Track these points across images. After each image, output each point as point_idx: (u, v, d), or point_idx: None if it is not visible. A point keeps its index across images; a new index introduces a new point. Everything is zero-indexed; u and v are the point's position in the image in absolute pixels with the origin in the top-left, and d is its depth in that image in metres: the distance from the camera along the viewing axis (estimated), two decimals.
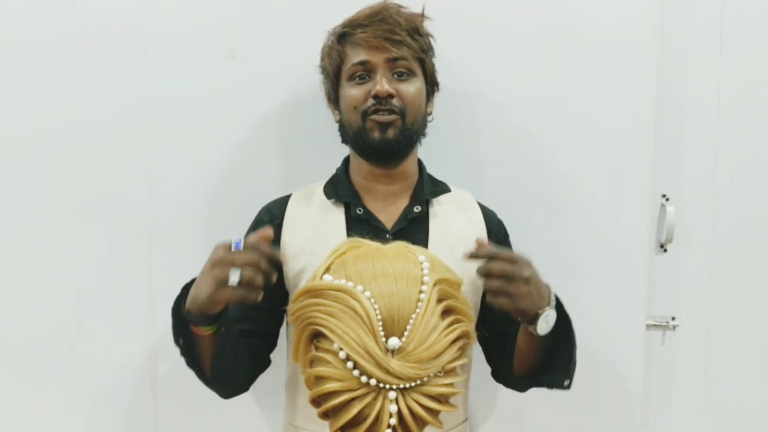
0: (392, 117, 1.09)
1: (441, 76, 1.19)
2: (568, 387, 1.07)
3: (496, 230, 1.19)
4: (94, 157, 1.33)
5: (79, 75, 1.32)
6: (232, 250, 0.89)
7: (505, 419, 1.42)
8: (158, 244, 1.35)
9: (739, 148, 1.43)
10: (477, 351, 1.23)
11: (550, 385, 1.09)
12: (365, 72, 1.10)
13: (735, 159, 1.44)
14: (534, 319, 0.97)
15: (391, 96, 1.09)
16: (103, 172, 1.34)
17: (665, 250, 1.44)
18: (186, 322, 0.97)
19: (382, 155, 1.12)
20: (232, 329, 1.02)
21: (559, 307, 1.01)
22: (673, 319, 1.46)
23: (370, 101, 1.09)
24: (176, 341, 1.01)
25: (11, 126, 1.33)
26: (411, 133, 1.12)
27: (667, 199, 1.43)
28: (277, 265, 1.05)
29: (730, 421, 1.48)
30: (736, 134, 1.43)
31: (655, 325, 1.45)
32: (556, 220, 1.36)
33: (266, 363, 1.16)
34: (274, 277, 0.91)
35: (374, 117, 1.09)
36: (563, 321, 1.02)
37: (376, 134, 1.09)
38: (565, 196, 1.37)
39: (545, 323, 0.97)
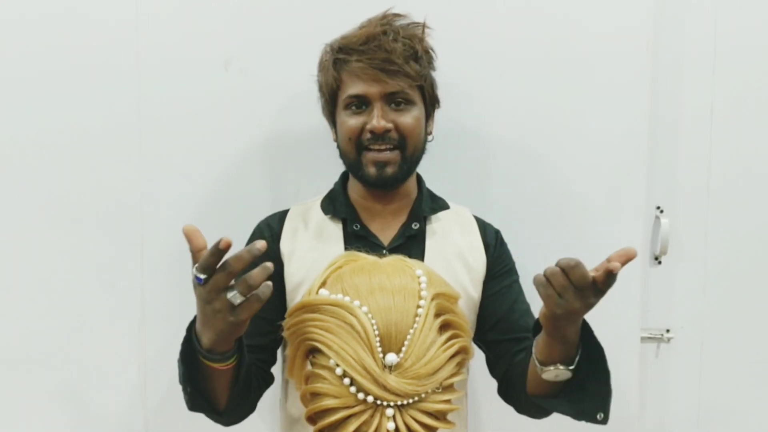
0: (390, 155, 1.07)
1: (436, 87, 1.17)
2: (604, 421, 0.94)
3: (493, 243, 1.17)
4: (86, 165, 1.33)
5: (72, 84, 1.31)
6: (197, 284, 0.78)
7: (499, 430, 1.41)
8: (150, 253, 1.34)
9: (732, 160, 1.44)
10: (475, 363, 1.21)
11: (578, 416, 0.95)
12: (361, 103, 1.07)
13: (729, 170, 1.44)
14: (547, 363, 0.90)
15: (387, 131, 1.06)
16: (94, 181, 1.33)
17: (659, 263, 1.44)
18: (198, 363, 0.87)
19: (379, 188, 1.11)
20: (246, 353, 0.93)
21: (589, 337, 0.92)
22: (668, 331, 1.45)
23: (367, 134, 1.07)
24: (185, 388, 0.91)
25: (3, 133, 1.32)
26: (410, 164, 1.10)
27: (662, 211, 1.42)
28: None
29: (726, 430, 1.48)
30: (729, 146, 1.44)
31: (649, 338, 1.45)
32: (549, 233, 1.36)
33: (270, 379, 1.12)
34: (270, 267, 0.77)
35: (372, 155, 1.07)
36: (593, 352, 0.92)
37: (373, 170, 1.08)
38: (558, 208, 1.36)
39: (553, 375, 0.91)
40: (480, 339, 1.16)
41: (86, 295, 1.34)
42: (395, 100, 1.07)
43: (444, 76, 1.22)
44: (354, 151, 1.08)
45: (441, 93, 1.19)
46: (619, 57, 1.34)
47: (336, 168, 1.21)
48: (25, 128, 1.31)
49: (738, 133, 1.44)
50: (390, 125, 1.06)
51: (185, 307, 1.30)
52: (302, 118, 1.31)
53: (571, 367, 0.91)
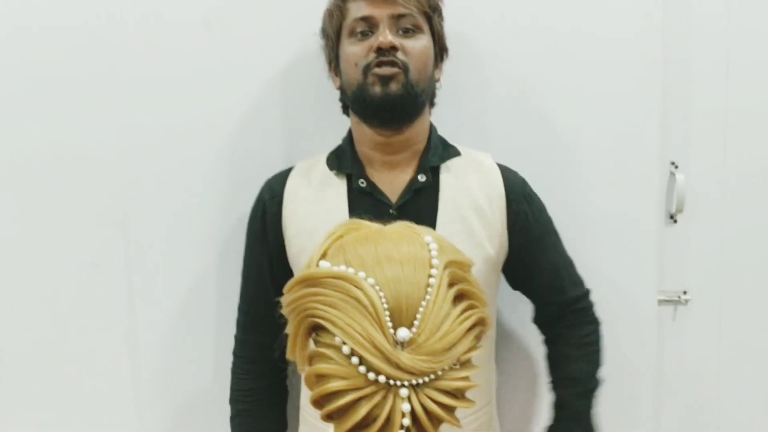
0: (395, 70, 1.01)
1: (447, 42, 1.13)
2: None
3: (519, 198, 1.11)
4: (62, 143, 1.25)
5: (50, 52, 1.23)
6: None
7: (518, 390, 1.36)
8: (134, 232, 1.27)
9: (749, 110, 1.37)
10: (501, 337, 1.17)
11: None
12: (367, 28, 1.03)
13: (746, 122, 1.37)
14: None
15: (394, 48, 1.01)
16: (71, 161, 1.26)
17: (675, 221, 1.38)
18: None
19: (384, 113, 1.03)
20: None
21: None
22: (685, 293, 1.40)
23: (372, 55, 1.01)
24: None
25: None
26: (416, 91, 1.03)
27: (677, 167, 1.36)
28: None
29: (746, 395, 1.44)
30: (746, 96, 1.37)
31: (666, 300, 1.39)
32: (561, 192, 1.30)
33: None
34: None
35: (376, 71, 1.01)
36: None
37: (377, 89, 1.01)
38: (570, 166, 1.30)
39: None
40: (519, 289, 1.18)
41: (69, 278, 1.27)
42: (403, 26, 1.03)
43: (450, 33, 1.15)
44: (359, 75, 1.03)
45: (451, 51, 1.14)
46: (631, 7, 1.28)
47: (335, 132, 1.15)
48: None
49: (754, 83, 1.37)
50: (397, 43, 1.01)
51: (174, 282, 1.27)
52: (305, 108, 1.26)
53: None
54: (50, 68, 1.23)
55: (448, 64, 1.15)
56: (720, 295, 1.41)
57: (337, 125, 1.16)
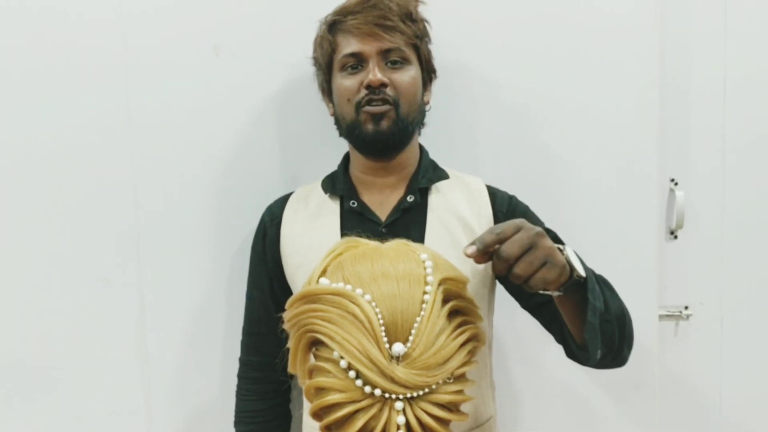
0: (385, 108, 1.04)
1: (438, 63, 1.14)
2: (595, 359, 0.89)
3: (505, 211, 1.11)
4: (77, 162, 1.27)
5: (58, 82, 1.26)
6: None
7: (521, 407, 1.37)
8: (146, 251, 1.30)
9: (747, 127, 1.39)
10: (497, 350, 1.17)
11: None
12: (357, 62, 1.06)
13: (743, 138, 1.39)
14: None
15: (384, 85, 1.04)
16: (87, 178, 1.28)
17: (675, 237, 1.39)
18: None
19: (377, 148, 1.08)
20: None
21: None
22: (686, 308, 1.41)
23: (363, 92, 1.05)
24: None
25: None
26: (406, 123, 1.07)
27: (676, 184, 1.38)
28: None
29: (748, 410, 1.44)
30: (743, 113, 1.39)
31: (667, 315, 1.40)
32: (560, 209, 1.31)
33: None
34: None
35: (367, 108, 1.05)
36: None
37: (370, 126, 1.05)
38: (570, 183, 1.32)
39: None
40: (526, 308, 1.10)
41: (82, 294, 1.29)
42: (391, 59, 1.06)
43: (446, 53, 1.18)
44: (352, 111, 1.06)
45: (445, 72, 1.15)
46: (627, 26, 1.30)
47: (337, 152, 1.18)
48: (10, 131, 1.26)
49: (752, 99, 1.39)
50: (386, 80, 1.04)
51: (184, 299, 1.29)
52: (305, 105, 1.27)
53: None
54: (65, 100, 1.26)
55: (442, 86, 1.18)
56: (721, 309, 1.42)
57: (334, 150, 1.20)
